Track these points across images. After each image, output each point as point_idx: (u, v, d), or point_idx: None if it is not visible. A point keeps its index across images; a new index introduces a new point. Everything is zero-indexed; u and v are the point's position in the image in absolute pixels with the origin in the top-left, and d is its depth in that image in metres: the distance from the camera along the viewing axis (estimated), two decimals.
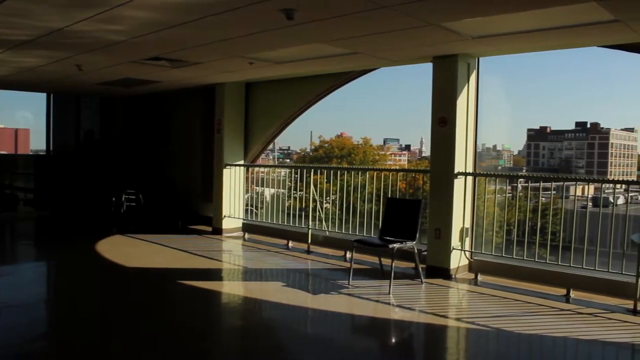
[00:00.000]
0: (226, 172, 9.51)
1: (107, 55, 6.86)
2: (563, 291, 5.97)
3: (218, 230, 9.55)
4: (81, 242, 8.78)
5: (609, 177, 35.75)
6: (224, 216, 9.50)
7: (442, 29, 5.43)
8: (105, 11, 4.84)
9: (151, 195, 10.92)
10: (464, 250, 6.79)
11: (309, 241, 8.28)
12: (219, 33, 5.80)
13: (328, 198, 9.24)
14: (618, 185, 8.02)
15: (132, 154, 12.04)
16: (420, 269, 6.44)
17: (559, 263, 6.13)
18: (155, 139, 11.59)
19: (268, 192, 10.02)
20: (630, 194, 6.92)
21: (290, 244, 8.56)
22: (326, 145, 31.08)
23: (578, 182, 6.58)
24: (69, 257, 7.78)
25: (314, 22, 5.22)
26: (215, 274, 7.16)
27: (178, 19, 5.18)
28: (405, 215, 6.40)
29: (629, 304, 5.49)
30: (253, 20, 5.22)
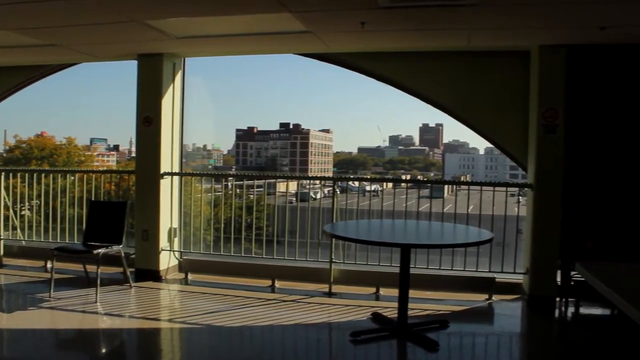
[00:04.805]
0: None
1: None
2: (269, 282, 6.36)
3: None
4: None
5: (309, 174, 39.08)
6: None
7: (146, 27, 5.30)
8: None
9: None
10: (173, 251, 6.78)
11: (1, 253, 7.42)
12: None
13: (24, 204, 8.36)
14: (317, 181, 8.82)
15: None
16: (128, 273, 6.23)
17: (264, 256, 6.55)
18: None
19: None
20: (326, 189, 7.66)
21: None
22: (24, 145, 28.30)
23: (279, 180, 7.06)
24: None
25: (3, 6, 4.68)
26: None
27: None
28: (110, 219, 6.16)
29: (325, 287, 6.14)
30: None
